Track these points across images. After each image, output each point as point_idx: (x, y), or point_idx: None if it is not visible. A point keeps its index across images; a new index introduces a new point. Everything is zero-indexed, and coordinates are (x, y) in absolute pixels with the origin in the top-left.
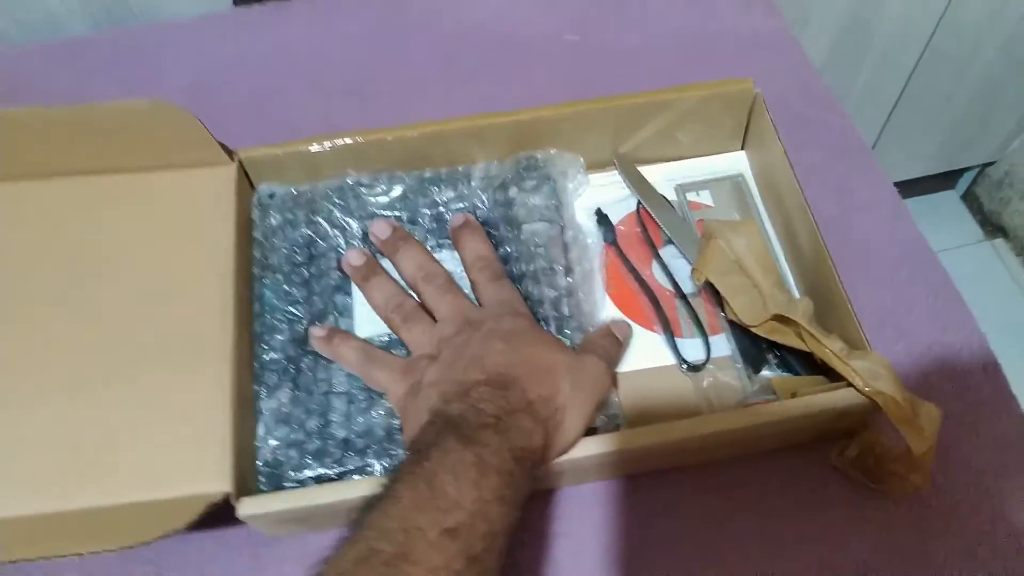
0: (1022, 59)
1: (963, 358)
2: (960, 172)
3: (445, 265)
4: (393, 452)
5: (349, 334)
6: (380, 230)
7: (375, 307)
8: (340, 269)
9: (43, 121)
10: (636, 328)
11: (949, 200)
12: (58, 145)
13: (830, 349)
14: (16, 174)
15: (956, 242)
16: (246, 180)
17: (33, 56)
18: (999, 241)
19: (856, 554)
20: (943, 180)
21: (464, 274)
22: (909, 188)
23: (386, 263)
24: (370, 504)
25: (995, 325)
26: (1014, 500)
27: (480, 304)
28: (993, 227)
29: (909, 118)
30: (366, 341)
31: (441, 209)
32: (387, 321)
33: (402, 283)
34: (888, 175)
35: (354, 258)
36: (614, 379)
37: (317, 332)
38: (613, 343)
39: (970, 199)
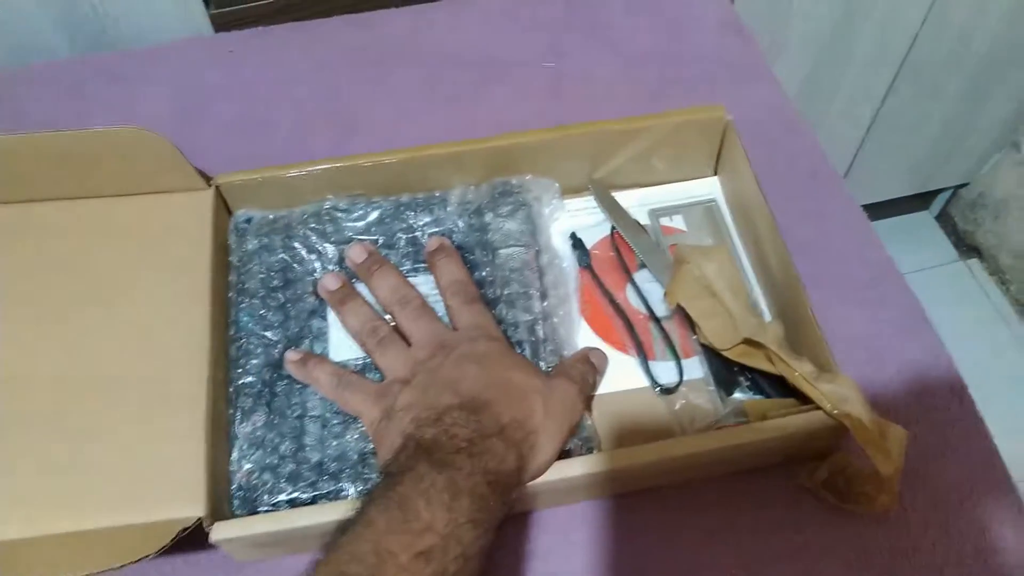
0: (994, 81)
1: (931, 380)
2: (934, 193)
3: (421, 289)
4: (367, 476)
5: (324, 359)
6: (356, 254)
7: (350, 331)
8: (316, 294)
9: (21, 147)
10: (610, 351)
11: (923, 221)
12: (36, 171)
13: (799, 372)
14: None
15: (931, 262)
16: (223, 205)
17: (13, 79)
18: (973, 261)
19: (827, 573)
20: (917, 201)
21: (440, 298)
22: (884, 209)
23: (363, 288)
24: (343, 528)
25: (970, 344)
26: (982, 520)
27: (454, 328)
28: (967, 247)
29: (883, 140)
30: (341, 366)
31: (417, 234)
32: (362, 345)
33: (378, 308)
34: (857, 199)
35: (330, 282)
36: (587, 403)
37: (292, 356)
38: (588, 369)
39: (944, 220)
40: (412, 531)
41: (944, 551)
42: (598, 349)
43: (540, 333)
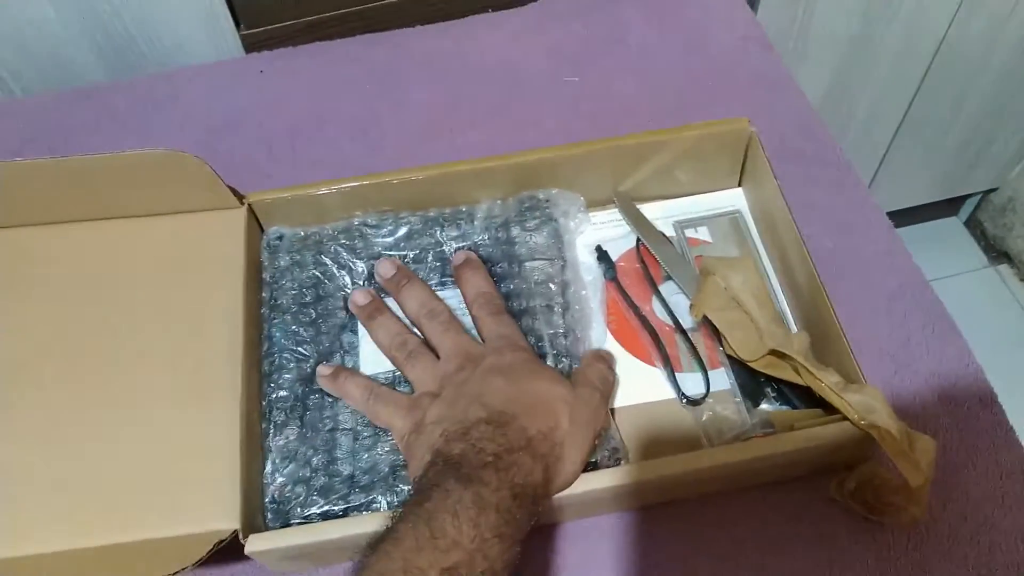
0: (1021, 85)
1: (959, 389)
2: (963, 199)
3: (449, 303)
4: (398, 488)
5: (355, 372)
6: (384, 269)
7: (380, 345)
8: (347, 309)
9: (57, 170)
10: (636, 363)
11: (952, 227)
12: (72, 193)
13: (825, 383)
14: (32, 220)
15: (960, 268)
16: (256, 223)
17: (50, 104)
18: (1003, 267)
19: None
20: (946, 207)
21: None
22: (912, 216)
23: (393, 304)
24: (373, 544)
25: (1000, 351)
26: (1012, 530)
27: (481, 339)
28: (997, 253)
29: (910, 146)
30: (371, 379)
31: (445, 248)
32: (391, 359)
33: (407, 321)
34: (884, 206)
35: (360, 298)
36: (608, 406)
37: (324, 371)
38: (605, 369)
39: (973, 225)
40: (439, 548)
41: (975, 562)
42: (603, 348)
43: (565, 346)
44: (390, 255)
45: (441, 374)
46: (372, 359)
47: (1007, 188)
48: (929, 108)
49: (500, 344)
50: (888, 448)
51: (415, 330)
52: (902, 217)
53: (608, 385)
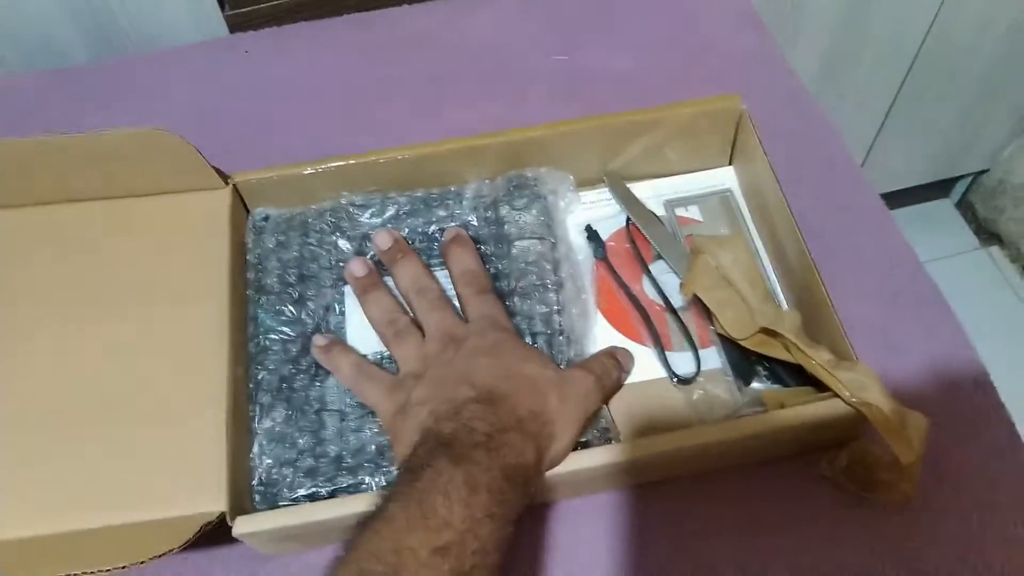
0: (1013, 66)
1: (952, 368)
2: (954, 180)
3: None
4: (385, 469)
5: (348, 348)
6: (382, 240)
7: (371, 320)
8: (334, 285)
9: (42, 149)
10: (627, 342)
11: (944, 208)
12: (56, 172)
13: (816, 361)
14: (14, 201)
15: (952, 250)
16: (241, 204)
17: (32, 84)
18: (994, 248)
19: (848, 562)
20: (938, 188)
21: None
22: (903, 197)
23: (391, 282)
24: (363, 524)
25: (991, 332)
26: (1004, 508)
27: (466, 318)
28: (988, 235)
29: (902, 128)
30: (363, 357)
31: (433, 228)
32: (381, 336)
33: (401, 300)
34: (876, 188)
35: (357, 268)
36: (607, 396)
37: (319, 341)
38: (611, 363)
39: (965, 207)
40: (430, 527)
41: (966, 540)
42: (624, 348)
43: (556, 325)
44: None
45: (424, 354)
46: (358, 340)
47: (998, 170)
48: (920, 90)
49: (483, 324)
50: (879, 425)
51: (408, 309)
52: (894, 199)
53: (608, 376)
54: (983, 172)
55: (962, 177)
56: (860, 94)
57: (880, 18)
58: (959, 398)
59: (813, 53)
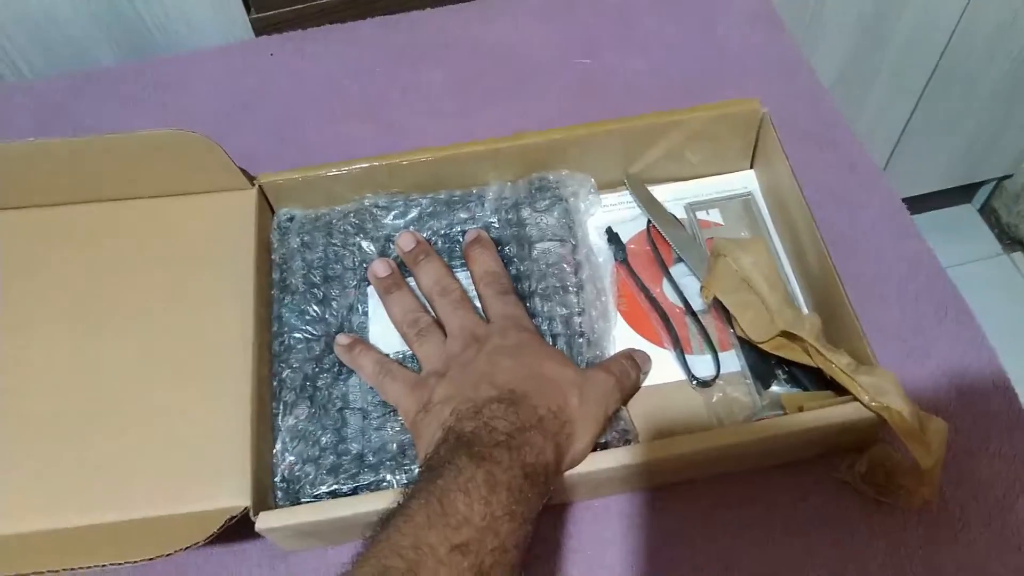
0: None
1: (972, 373)
2: (977, 185)
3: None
4: (407, 466)
5: (370, 346)
6: (405, 242)
7: (393, 320)
8: (358, 285)
9: (70, 150)
10: (646, 345)
11: (967, 213)
12: (85, 173)
13: (836, 364)
14: (46, 201)
15: (974, 255)
16: (266, 204)
17: (60, 87)
18: (1017, 254)
19: (867, 566)
20: (960, 193)
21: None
22: (926, 202)
23: (413, 282)
24: (385, 520)
25: (1013, 337)
26: None
27: (487, 319)
28: (1011, 240)
29: (924, 132)
30: (386, 356)
31: (455, 230)
32: (403, 335)
33: (423, 299)
34: (896, 191)
35: (380, 269)
36: (626, 397)
37: (342, 340)
38: (630, 364)
39: (988, 212)
40: (450, 525)
41: (986, 545)
42: (641, 350)
43: (576, 327)
44: None
45: (447, 354)
46: (380, 340)
47: (1021, 175)
48: (943, 94)
49: (505, 324)
50: (899, 430)
51: (430, 308)
52: (916, 204)
53: (627, 377)
54: (1006, 177)
55: (985, 182)
56: (882, 97)
57: (903, 21)
58: (979, 403)
59: (834, 55)
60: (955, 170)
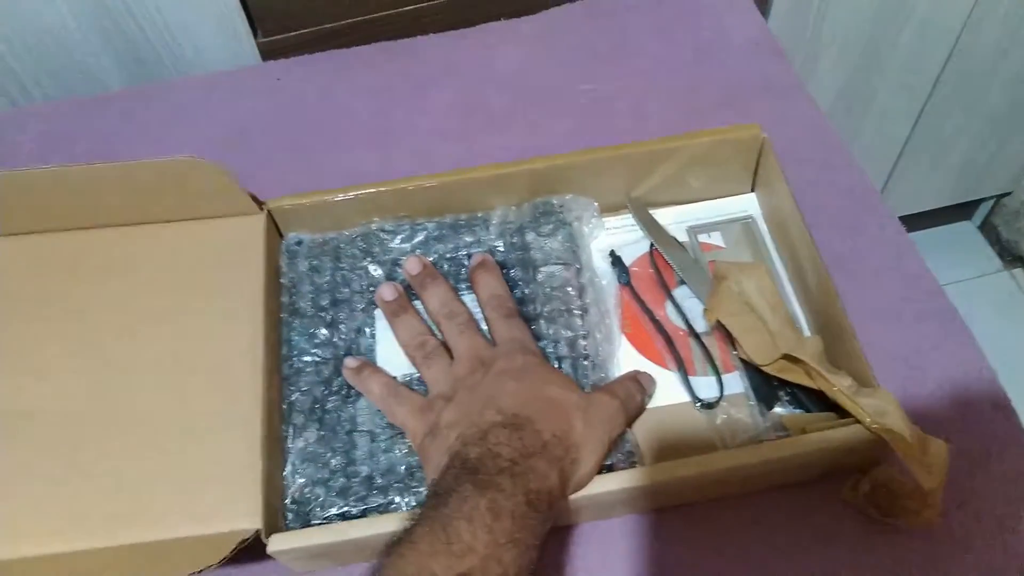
0: None
1: (973, 393)
2: (977, 203)
3: None
4: (415, 488)
5: (378, 369)
6: (411, 266)
7: (400, 343)
8: (366, 309)
9: (83, 177)
10: (650, 367)
11: (966, 231)
12: (95, 200)
13: (837, 387)
14: (55, 227)
15: (974, 272)
16: (275, 229)
17: (68, 111)
18: (1018, 271)
19: None
20: (960, 211)
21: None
22: (925, 220)
23: (420, 305)
24: (390, 547)
25: (1015, 355)
26: None
27: (493, 342)
28: (1012, 257)
29: (923, 150)
30: (393, 378)
31: (461, 253)
32: (410, 358)
33: (430, 322)
34: (897, 211)
35: (387, 293)
36: (631, 420)
37: (350, 363)
38: (634, 387)
39: (988, 229)
40: (454, 553)
41: (989, 565)
42: (646, 372)
43: (581, 349)
44: None
45: (454, 377)
46: (388, 363)
47: (1021, 192)
48: (942, 112)
49: (511, 347)
50: (901, 451)
51: (437, 332)
52: (916, 221)
53: (632, 400)
54: (1006, 194)
55: (984, 199)
56: (881, 116)
57: (901, 43)
58: (980, 422)
59: (833, 76)
60: (954, 187)
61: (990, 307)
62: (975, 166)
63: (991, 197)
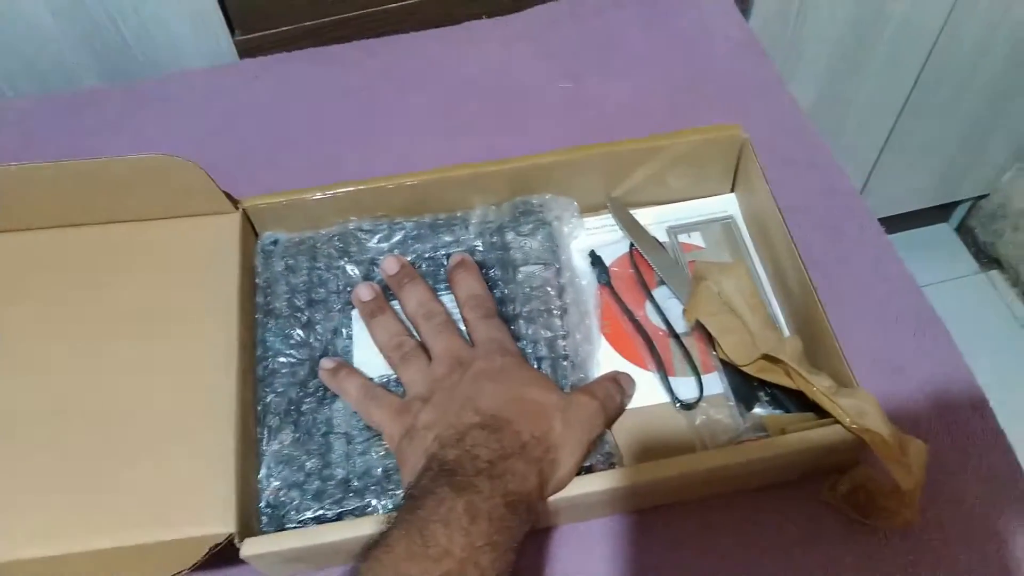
0: (1012, 92)
1: (951, 394)
2: (954, 205)
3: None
4: (392, 491)
5: (355, 370)
6: (389, 266)
7: (378, 344)
8: (342, 309)
9: (55, 175)
10: (630, 367)
11: (943, 233)
12: (69, 198)
13: (817, 387)
14: (25, 225)
15: (951, 274)
16: (250, 228)
17: (43, 107)
18: (994, 272)
19: None
20: (937, 213)
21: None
22: (903, 222)
23: (397, 305)
24: (366, 551)
25: (991, 356)
26: (1005, 534)
27: (472, 342)
28: (988, 259)
29: (902, 152)
30: (369, 379)
31: (440, 253)
32: (387, 359)
33: (407, 323)
34: (876, 212)
35: (364, 293)
36: (611, 421)
37: (327, 364)
38: (614, 388)
39: (964, 231)
40: (431, 556)
41: (967, 565)
42: (626, 373)
43: (561, 350)
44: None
45: (431, 378)
46: (365, 364)
47: (998, 194)
48: (920, 115)
49: (490, 348)
50: (880, 452)
51: (414, 332)
52: (893, 223)
53: (611, 401)
54: (983, 197)
55: (962, 202)
56: (860, 119)
57: (880, 45)
58: (958, 423)
59: (813, 77)
60: (932, 190)
61: (966, 309)
62: (953, 169)
63: (968, 200)
